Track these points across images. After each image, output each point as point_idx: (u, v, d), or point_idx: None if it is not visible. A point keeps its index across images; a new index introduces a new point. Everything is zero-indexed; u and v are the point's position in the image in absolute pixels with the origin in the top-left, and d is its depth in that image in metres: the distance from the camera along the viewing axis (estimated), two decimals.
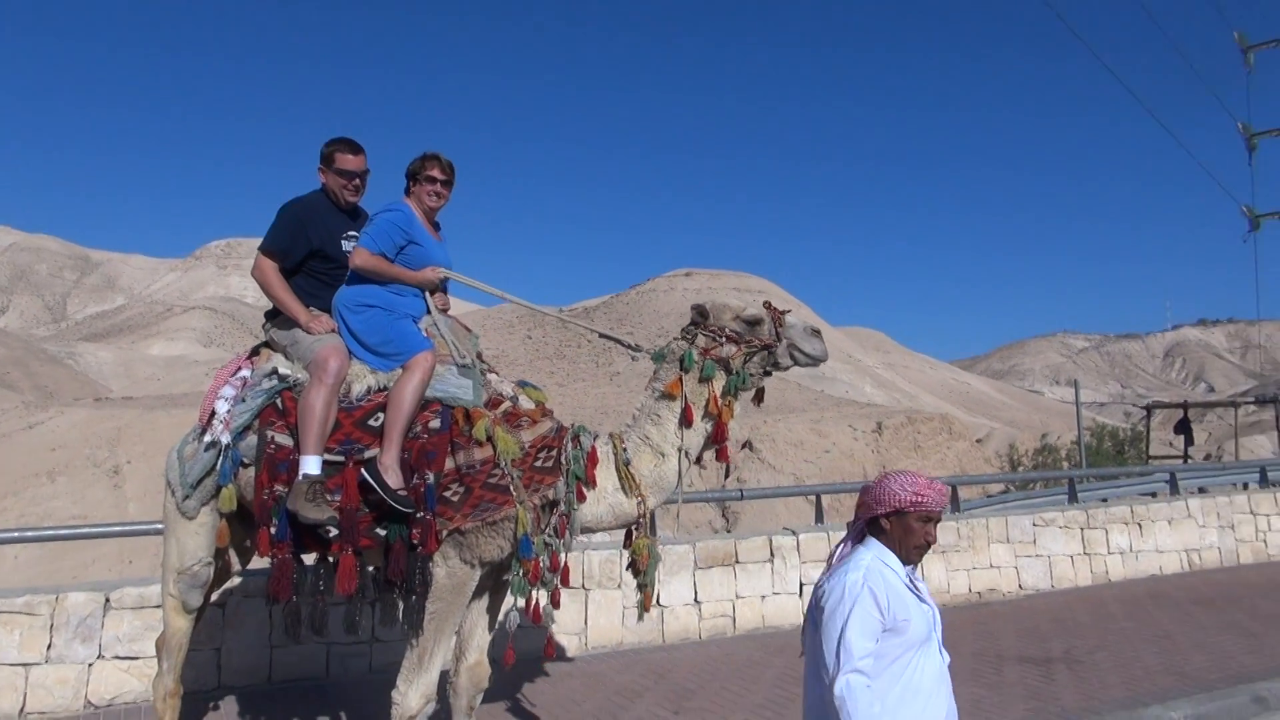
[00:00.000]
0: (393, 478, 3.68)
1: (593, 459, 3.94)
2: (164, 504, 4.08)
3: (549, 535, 3.84)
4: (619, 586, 6.93)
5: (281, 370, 3.92)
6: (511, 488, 3.74)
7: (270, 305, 4.17)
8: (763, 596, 7.54)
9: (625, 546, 4.16)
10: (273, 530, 3.72)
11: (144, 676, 5.39)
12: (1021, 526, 8.87)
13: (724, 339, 4.02)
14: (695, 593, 7.28)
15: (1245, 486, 12.92)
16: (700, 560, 7.36)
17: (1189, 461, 23.46)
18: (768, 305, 4.15)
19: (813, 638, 2.61)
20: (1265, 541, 10.47)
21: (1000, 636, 7.13)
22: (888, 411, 67.15)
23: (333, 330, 3.96)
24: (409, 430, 3.76)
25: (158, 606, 5.49)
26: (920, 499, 2.60)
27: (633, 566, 4.06)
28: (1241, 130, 26.75)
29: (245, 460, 3.88)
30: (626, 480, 3.97)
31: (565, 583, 3.92)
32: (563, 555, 3.87)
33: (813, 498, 8.82)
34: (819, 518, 8.53)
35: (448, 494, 3.71)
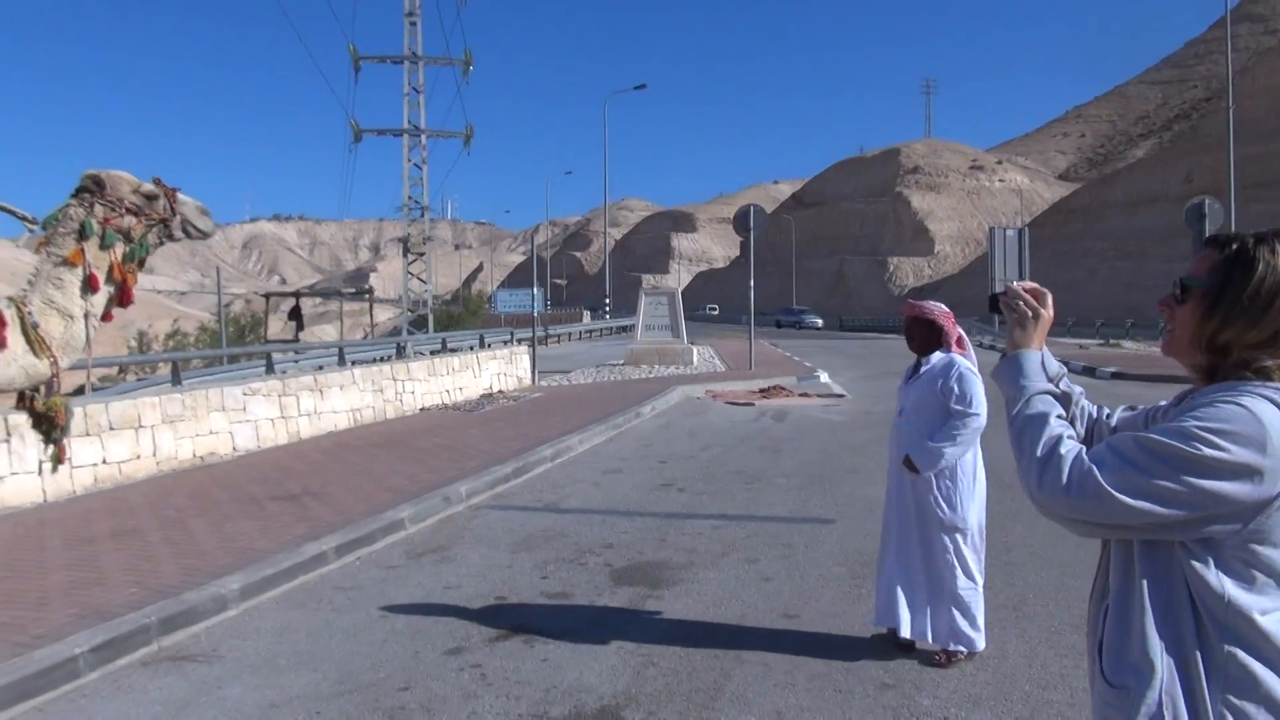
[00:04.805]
0: None
1: (1, 322, 4.13)
2: None
3: None
4: None
5: None
6: None
7: None
8: (0, 478, 7.43)
9: (19, 406, 4.41)
10: None
11: None
12: (235, 396, 10.17)
13: (124, 210, 4.54)
14: None
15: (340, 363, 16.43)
16: None
17: (299, 342, 27.04)
18: (158, 182, 4.76)
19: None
20: (401, 400, 13.74)
21: (243, 486, 8.46)
22: None
23: None
24: None
25: None
26: None
27: (46, 422, 4.37)
28: (350, 52, 31.02)
29: None
30: (36, 343, 4.26)
31: None
32: None
33: None
34: None
35: None
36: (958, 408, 4.27)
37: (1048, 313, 1.80)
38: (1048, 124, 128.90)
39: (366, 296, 27.76)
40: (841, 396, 16.43)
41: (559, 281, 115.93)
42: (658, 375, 20.24)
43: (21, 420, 7.69)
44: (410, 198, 31.91)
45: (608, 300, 50.68)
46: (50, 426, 4.43)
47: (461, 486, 8.35)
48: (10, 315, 4.20)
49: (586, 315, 53.76)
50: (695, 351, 23.66)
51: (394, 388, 13.57)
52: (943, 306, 4.49)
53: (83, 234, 4.39)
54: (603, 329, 46.75)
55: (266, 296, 27.14)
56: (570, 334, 42.53)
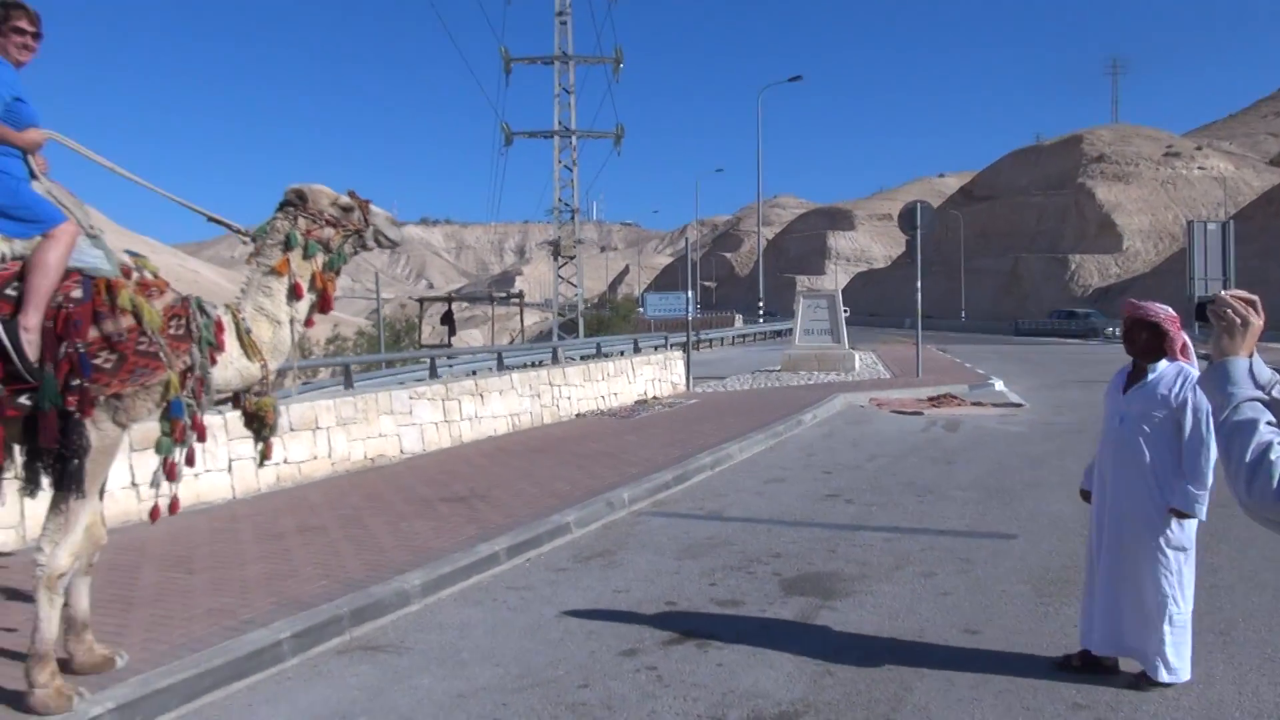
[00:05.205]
0: (32, 348, 3.98)
1: (220, 327, 4.67)
2: None
3: (187, 398, 4.52)
4: None
5: None
6: (161, 354, 4.34)
7: None
8: (196, 475, 8.23)
9: (234, 407, 4.98)
10: None
11: None
12: (402, 399, 10.89)
13: (323, 222, 5.02)
14: (133, 474, 7.68)
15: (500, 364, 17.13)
16: (136, 443, 7.73)
17: (451, 346, 28.33)
18: (352, 195, 5.24)
19: None
20: (558, 406, 14.31)
21: (413, 488, 9.08)
22: None
23: None
24: (52, 299, 4.06)
25: None
26: None
27: (257, 421, 4.91)
28: (501, 54, 32.27)
29: None
30: (249, 347, 4.79)
31: (202, 439, 4.64)
32: (201, 416, 4.59)
33: None
34: None
35: (98, 361, 4.15)
36: (1195, 421, 4.24)
37: (1258, 320, 1.87)
38: (1256, 103, 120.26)
39: (516, 301, 28.80)
40: (1019, 405, 16.02)
41: (708, 284, 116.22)
42: (817, 382, 20.21)
43: (213, 421, 8.53)
44: (560, 200, 32.94)
45: (761, 303, 50.63)
46: (260, 425, 4.96)
47: (624, 492, 8.68)
48: (227, 321, 4.74)
49: (738, 319, 53.86)
50: (857, 357, 23.45)
51: (550, 393, 14.14)
52: (1169, 309, 4.40)
53: (288, 245, 4.89)
54: (756, 333, 46.74)
55: (420, 301, 28.59)
56: (722, 339, 42.73)
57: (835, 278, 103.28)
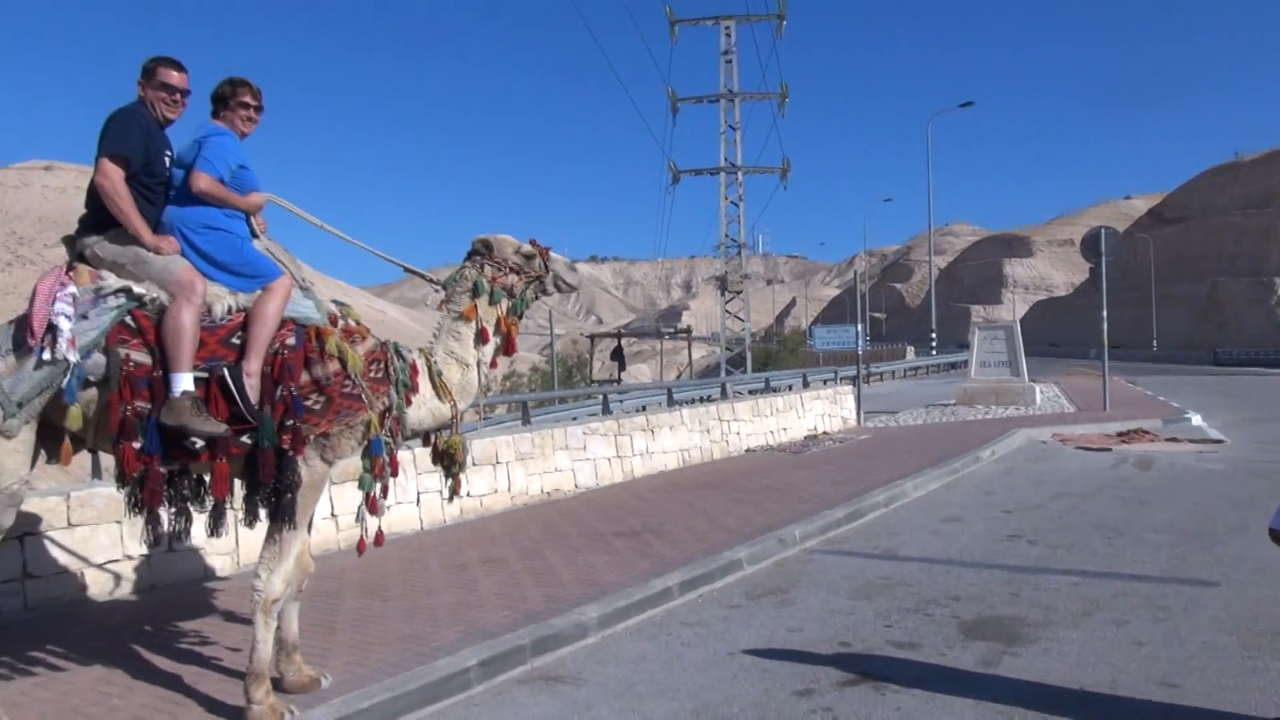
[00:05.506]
0: (253, 392, 4.38)
1: (414, 370, 5.00)
2: None
3: (386, 436, 4.85)
4: None
5: (136, 290, 4.27)
6: (363, 396, 4.68)
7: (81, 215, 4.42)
8: (388, 507, 8.71)
9: (424, 444, 5.31)
10: (137, 445, 4.18)
11: None
12: (576, 435, 11.21)
13: (508, 269, 5.31)
14: (332, 506, 8.22)
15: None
16: (334, 477, 8.28)
17: (621, 382, 28.86)
18: (533, 243, 5.51)
19: None
20: (727, 441, 14.38)
21: (587, 522, 9.31)
22: None
23: (179, 251, 4.41)
24: (269, 347, 4.47)
25: None
26: None
27: (447, 458, 5.21)
28: (669, 95, 32.90)
29: (90, 378, 4.20)
30: (440, 389, 5.11)
31: (395, 474, 4.97)
32: (398, 453, 4.92)
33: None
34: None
35: (309, 403, 4.52)
36: None
37: None
38: None
39: (684, 336, 29.10)
40: (1219, 442, 14.96)
41: (877, 315, 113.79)
42: (995, 416, 19.49)
43: (403, 456, 9.02)
44: (727, 235, 33.16)
45: (934, 334, 49.24)
46: (450, 462, 5.26)
47: (795, 529, 8.63)
48: (421, 364, 5.07)
49: (910, 351, 52.56)
50: (1038, 390, 22.47)
51: (720, 428, 14.23)
52: None
53: (475, 292, 5.19)
54: (928, 366, 45.45)
55: (591, 338, 29.32)
56: (893, 372, 41.77)
57: (1013, 307, 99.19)
